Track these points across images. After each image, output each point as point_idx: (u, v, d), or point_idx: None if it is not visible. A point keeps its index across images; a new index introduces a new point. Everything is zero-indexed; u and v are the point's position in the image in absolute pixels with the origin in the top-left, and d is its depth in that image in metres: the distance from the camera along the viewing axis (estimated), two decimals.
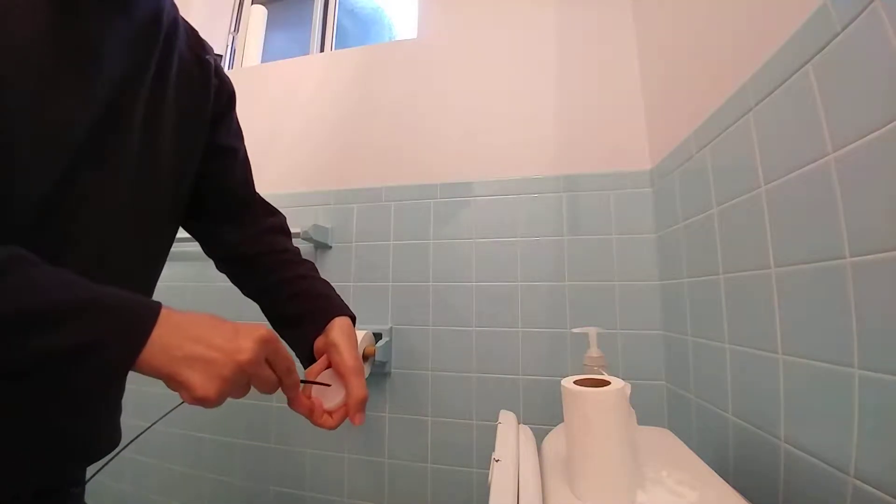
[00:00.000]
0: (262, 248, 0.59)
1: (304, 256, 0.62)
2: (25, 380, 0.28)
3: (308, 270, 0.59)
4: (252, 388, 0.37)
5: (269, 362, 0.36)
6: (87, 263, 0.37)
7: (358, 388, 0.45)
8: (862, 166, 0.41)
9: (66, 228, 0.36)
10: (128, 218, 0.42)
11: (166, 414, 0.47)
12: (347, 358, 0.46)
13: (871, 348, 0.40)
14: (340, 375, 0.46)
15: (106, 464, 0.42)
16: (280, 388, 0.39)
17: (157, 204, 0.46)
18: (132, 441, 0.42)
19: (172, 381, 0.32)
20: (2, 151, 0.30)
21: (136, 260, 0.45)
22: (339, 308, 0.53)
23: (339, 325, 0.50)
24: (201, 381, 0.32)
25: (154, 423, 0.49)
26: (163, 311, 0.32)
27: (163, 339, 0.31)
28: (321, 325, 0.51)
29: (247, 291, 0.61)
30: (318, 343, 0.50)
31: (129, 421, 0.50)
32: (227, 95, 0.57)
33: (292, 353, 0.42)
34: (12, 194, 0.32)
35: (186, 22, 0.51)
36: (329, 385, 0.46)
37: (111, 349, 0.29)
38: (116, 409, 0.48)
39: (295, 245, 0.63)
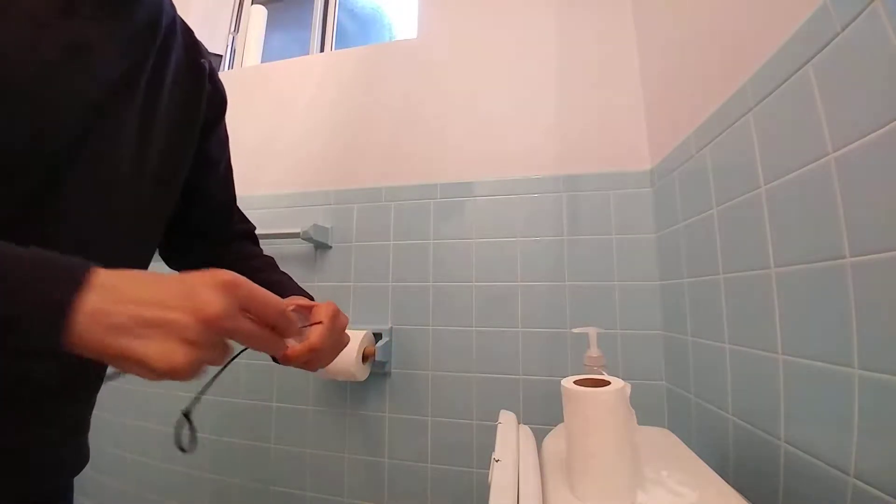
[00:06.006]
0: (230, 257, 0.58)
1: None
2: None
3: (270, 267, 0.58)
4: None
5: (247, 311, 0.30)
6: None
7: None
8: (862, 166, 0.41)
9: (49, 228, 0.35)
10: (115, 220, 0.41)
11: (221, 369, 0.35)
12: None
13: (871, 348, 0.40)
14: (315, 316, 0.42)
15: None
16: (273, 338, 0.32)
17: (147, 207, 0.45)
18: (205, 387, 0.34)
19: (123, 360, 0.25)
20: None
21: (122, 264, 0.45)
22: (298, 290, 0.52)
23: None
24: (161, 351, 0.25)
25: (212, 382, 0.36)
26: (94, 274, 0.25)
27: (94, 305, 0.24)
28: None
29: None
30: None
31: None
32: (218, 102, 0.56)
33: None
34: None
35: (185, 23, 0.50)
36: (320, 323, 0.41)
37: (28, 326, 0.23)
38: (81, 429, 0.46)
39: (270, 255, 0.62)
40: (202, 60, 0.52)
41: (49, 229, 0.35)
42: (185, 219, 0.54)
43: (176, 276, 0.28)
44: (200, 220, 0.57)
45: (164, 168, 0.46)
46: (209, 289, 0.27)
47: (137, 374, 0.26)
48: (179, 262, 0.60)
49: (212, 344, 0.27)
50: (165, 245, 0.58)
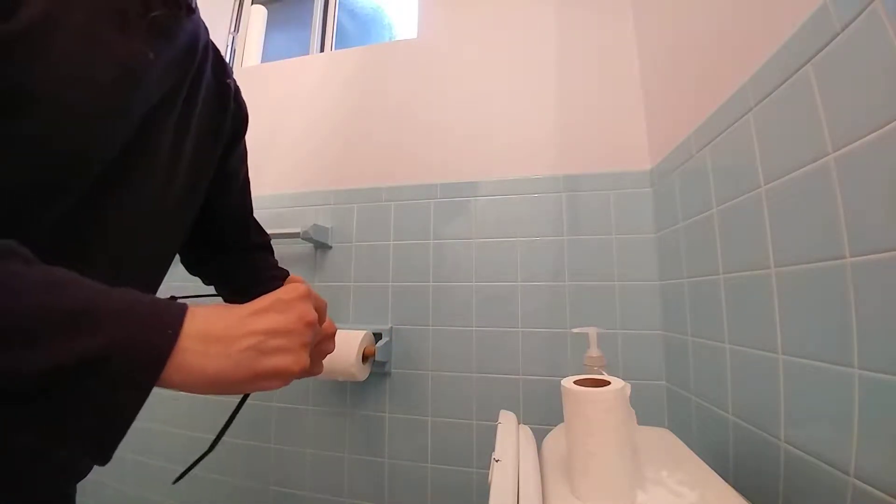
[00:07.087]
0: (247, 267, 0.63)
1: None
2: (29, 405, 0.22)
3: (284, 278, 0.61)
4: None
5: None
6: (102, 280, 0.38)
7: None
8: (862, 166, 0.41)
9: (84, 245, 0.36)
10: (146, 229, 0.43)
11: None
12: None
13: (871, 348, 0.40)
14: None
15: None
16: None
17: (172, 216, 0.47)
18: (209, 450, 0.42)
19: (256, 383, 0.28)
20: (32, 168, 0.30)
21: (149, 269, 0.46)
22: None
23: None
24: (293, 359, 0.30)
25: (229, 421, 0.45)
26: (191, 313, 0.27)
27: (202, 336, 0.27)
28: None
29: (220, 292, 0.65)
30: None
31: (134, 424, 0.49)
32: (241, 120, 0.59)
33: None
34: (36, 209, 0.32)
35: (214, 44, 0.52)
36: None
37: (121, 367, 0.23)
38: None
39: (285, 268, 0.66)
40: (228, 80, 0.54)
41: (91, 237, 0.37)
42: (204, 229, 0.57)
43: (265, 297, 0.32)
44: (219, 230, 0.60)
45: (189, 180, 0.48)
46: (300, 301, 0.33)
47: (268, 388, 0.29)
48: (200, 269, 0.64)
49: (311, 341, 0.33)
50: (187, 253, 0.62)
